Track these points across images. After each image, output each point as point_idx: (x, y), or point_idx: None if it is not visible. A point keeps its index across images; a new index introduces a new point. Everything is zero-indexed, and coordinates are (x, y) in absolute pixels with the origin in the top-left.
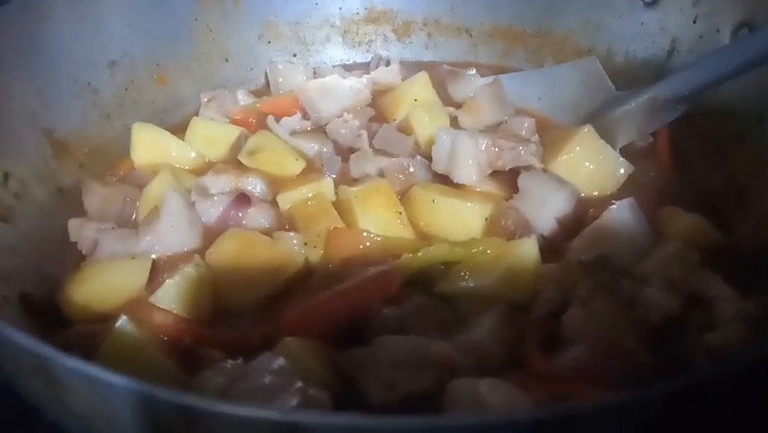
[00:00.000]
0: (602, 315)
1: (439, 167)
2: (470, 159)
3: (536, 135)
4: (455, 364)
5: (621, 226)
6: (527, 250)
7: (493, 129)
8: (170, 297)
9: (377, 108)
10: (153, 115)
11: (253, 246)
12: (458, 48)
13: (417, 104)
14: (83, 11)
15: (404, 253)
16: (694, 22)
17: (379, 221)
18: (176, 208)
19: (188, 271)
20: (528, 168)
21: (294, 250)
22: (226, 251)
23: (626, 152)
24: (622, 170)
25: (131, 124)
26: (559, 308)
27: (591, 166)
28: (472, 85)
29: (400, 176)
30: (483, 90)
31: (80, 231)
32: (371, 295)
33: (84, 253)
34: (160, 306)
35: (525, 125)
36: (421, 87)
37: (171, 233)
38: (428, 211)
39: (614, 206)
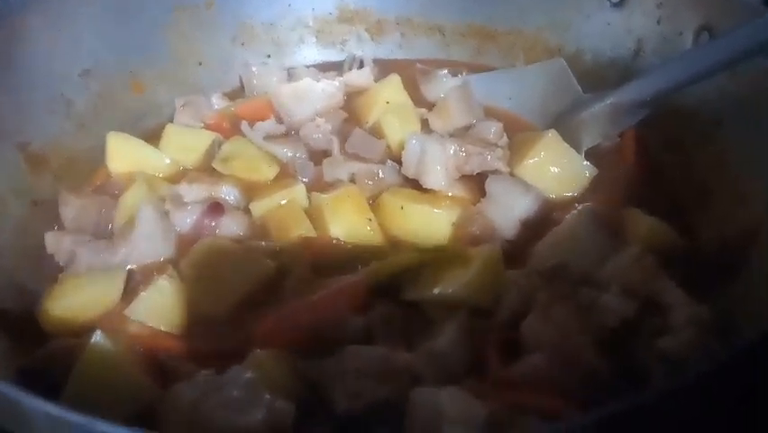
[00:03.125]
0: (559, 323)
1: (409, 172)
2: (438, 164)
3: (504, 139)
4: (418, 373)
5: (582, 231)
6: (491, 256)
7: (462, 133)
8: (144, 310)
9: (350, 111)
10: (129, 122)
11: (225, 255)
12: (431, 46)
13: (389, 107)
14: (55, 22)
15: (373, 259)
16: (658, 23)
17: (349, 227)
18: (150, 219)
19: (162, 283)
20: (495, 172)
21: (265, 258)
22: (199, 260)
23: (592, 154)
24: (587, 173)
25: (106, 133)
26: (520, 316)
27: (556, 169)
28: (444, 85)
29: (370, 182)
30: (452, 93)
31: (57, 244)
32: (339, 306)
33: (61, 265)
34: (135, 318)
35: (493, 130)
36: (393, 89)
37: (146, 243)
38: (397, 217)
39: (574, 211)
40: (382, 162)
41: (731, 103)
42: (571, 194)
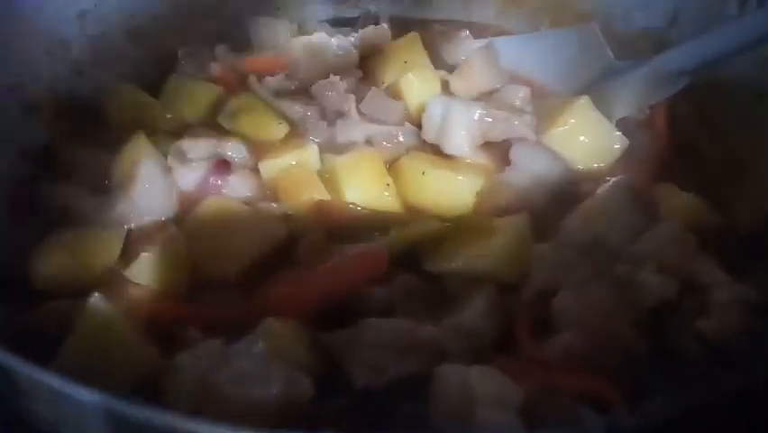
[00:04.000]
0: (595, 300)
1: (429, 136)
2: (462, 129)
3: (531, 105)
4: (444, 349)
5: (616, 204)
6: (518, 227)
7: (486, 97)
8: (146, 271)
9: (365, 70)
10: (127, 71)
11: (233, 216)
12: (450, 6)
13: (407, 67)
14: None
15: (391, 227)
16: None
17: (365, 192)
18: (151, 174)
19: (164, 242)
20: (521, 139)
21: (276, 221)
22: (205, 220)
23: (622, 125)
24: (618, 145)
25: (104, 81)
26: (550, 291)
27: (586, 139)
28: (465, 48)
29: (389, 144)
30: (476, 55)
31: (50, 196)
32: (359, 274)
33: (54, 219)
34: (135, 280)
35: (520, 95)
36: (412, 48)
37: (146, 200)
38: (417, 183)
39: (609, 182)
40: (399, 125)
41: None
42: (600, 165)
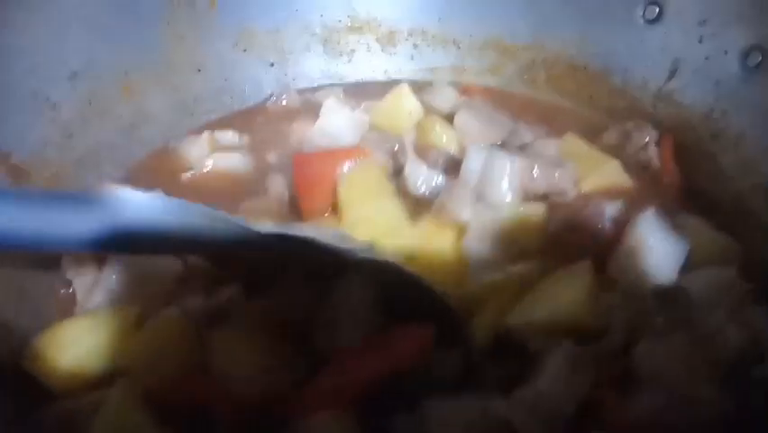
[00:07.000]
0: (680, 354)
1: (469, 186)
2: (506, 180)
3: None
4: (519, 427)
5: (654, 240)
6: (584, 274)
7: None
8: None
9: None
10: (120, 131)
11: None
12: (445, 59)
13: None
14: (39, 15)
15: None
16: (699, 42)
17: None
18: None
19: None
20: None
21: None
22: None
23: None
24: None
25: (95, 142)
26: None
27: None
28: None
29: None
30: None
31: (78, 270)
32: (405, 356)
33: (78, 299)
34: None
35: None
36: (407, 98)
37: None
38: None
39: (641, 217)
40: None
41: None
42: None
